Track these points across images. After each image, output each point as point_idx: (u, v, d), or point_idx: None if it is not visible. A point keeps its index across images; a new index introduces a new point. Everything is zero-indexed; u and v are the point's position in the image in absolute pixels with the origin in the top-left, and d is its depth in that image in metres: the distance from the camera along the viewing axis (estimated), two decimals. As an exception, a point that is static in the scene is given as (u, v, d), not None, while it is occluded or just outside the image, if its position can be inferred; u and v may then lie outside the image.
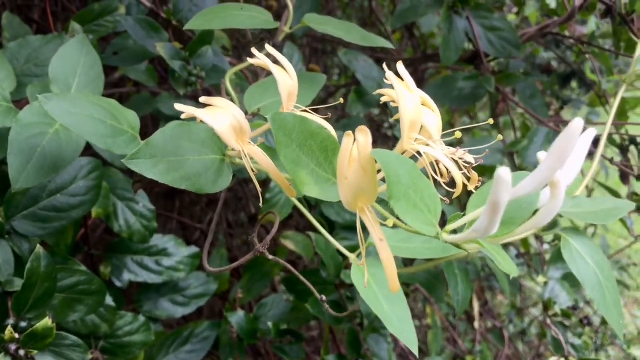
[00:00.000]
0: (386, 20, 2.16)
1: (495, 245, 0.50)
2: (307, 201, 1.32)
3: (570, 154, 0.39)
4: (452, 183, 0.58)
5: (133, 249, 1.21)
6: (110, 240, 1.26)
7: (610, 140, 1.70)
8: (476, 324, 2.09)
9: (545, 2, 1.80)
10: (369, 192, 0.50)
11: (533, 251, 2.25)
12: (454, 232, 0.52)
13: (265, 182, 1.35)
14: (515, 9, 2.20)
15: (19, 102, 0.96)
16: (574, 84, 2.10)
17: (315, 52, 2.47)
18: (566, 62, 1.98)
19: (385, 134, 2.24)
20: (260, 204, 0.60)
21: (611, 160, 1.31)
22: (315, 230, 1.26)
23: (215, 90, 1.32)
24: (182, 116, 0.61)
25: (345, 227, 1.32)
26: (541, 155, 0.42)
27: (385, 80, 0.57)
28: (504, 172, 0.37)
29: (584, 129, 0.42)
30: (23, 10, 1.42)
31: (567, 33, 1.79)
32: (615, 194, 1.60)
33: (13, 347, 0.78)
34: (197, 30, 1.17)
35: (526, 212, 0.49)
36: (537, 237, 1.65)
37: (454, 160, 0.56)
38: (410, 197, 0.47)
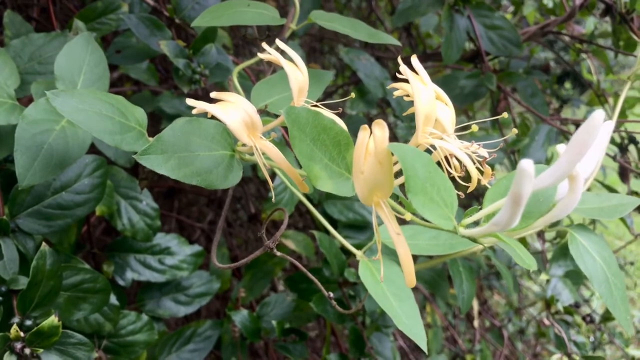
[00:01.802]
0: (384, 19, 2.16)
1: (513, 239, 0.50)
2: (309, 199, 1.32)
3: (591, 146, 0.39)
4: (464, 177, 0.58)
5: (136, 247, 1.21)
6: (108, 240, 1.26)
7: (610, 138, 1.70)
8: (475, 323, 2.10)
9: (543, 1, 1.81)
10: (385, 186, 0.50)
11: (532, 250, 2.26)
12: (469, 226, 0.52)
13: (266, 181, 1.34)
14: (511, 9, 2.21)
15: (22, 99, 0.96)
16: (567, 84, 2.12)
17: (313, 51, 2.47)
18: (563, 61, 1.99)
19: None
20: (273, 200, 0.60)
21: (614, 158, 1.31)
22: (318, 229, 1.27)
23: (218, 88, 1.32)
24: (194, 112, 0.61)
25: (348, 225, 1.32)
26: (560, 148, 0.42)
27: (398, 74, 0.57)
28: (526, 164, 0.37)
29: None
30: (23, 9, 1.41)
31: (565, 32, 1.79)
32: (614, 192, 1.61)
33: (18, 345, 0.77)
34: (199, 28, 1.17)
35: (544, 206, 0.49)
36: (539, 235, 1.66)
37: (467, 154, 0.56)
38: (427, 191, 0.47)
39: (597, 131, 0.38)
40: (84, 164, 0.96)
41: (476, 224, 0.53)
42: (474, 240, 0.50)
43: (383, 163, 0.47)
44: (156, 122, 1.59)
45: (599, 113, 0.38)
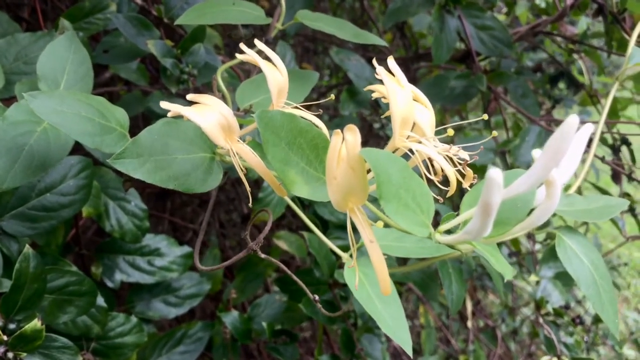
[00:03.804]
0: (377, 19, 2.16)
1: (489, 246, 0.49)
2: (300, 201, 1.32)
3: (566, 152, 0.38)
4: (446, 181, 0.57)
5: (125, 248, 1.20)
6: (100, 241, 1.25)
7: (602, 139, 1.70)
8: (469, 324, 2.10)
9: (535, 1, 1.80)
10: (358, 192, 0.49)
11: (524, 250, 2.26)
12: (448, 232, 0.51)
13: (258, 181, 1.34)
14: (504, 10, 2.21)
15: (8, 100, 0.95)
16: (561, 84, 2.11)
17: (306, 51, 2.46)
18: (557, 61, 1.98)
19: (377, 134, 2.24)
20: (250, 204, 0.59)
21: (602, 159, 1.31)
22: (309, 230, 1.26)
23: (207, 88, 1.31)
24: (169, 114, 0.60)
25: (339, 226, 1.31)
26: (536, 153, 0.41)
27: (376, 75, 0.56)
28: (494, 173, 0.36)
29: (580, 125, 0.41)
30: (12, 9, 1.40)
31: (557, 32, 1.79)
32: (606, 194, 1.60)
33: (1, 349, 0.76)
34: (188, 27, 1.16)
35: (521, 212, 0.48)
36: (529, 236, 1.65)
37: (448, 157, 0.55)
38: (402, 197, 0.46)
39: (571, 137, 0.37)
40: (69, 165, 0.95)
41: (457, 228, 0.52)
42: (451, 246, 0.50)
43: (356, 169, 0.46)
44: (148, 123, 1.58)
45: (572, 118, 0.37)
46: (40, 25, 1.21)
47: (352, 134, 0.46)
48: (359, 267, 0.72)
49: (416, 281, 1.23)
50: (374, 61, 0.57)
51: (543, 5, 1.73)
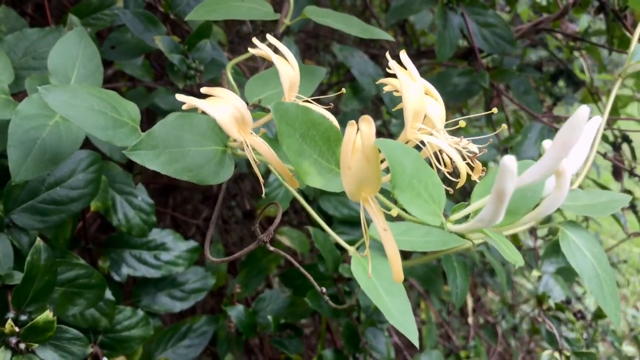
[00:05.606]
0: (379, 17, 2.16)
1: (500, 235, 0.50)
2: (305, 196, 1.33)
3: (576, 142, 0.39)
4: (455, 173, 0.58)
5: (131, 243, 1.21)
6: (103, 237, 1.26)
7: (603, 136, 1.71)
8: (469, 320, 2.11)
9: (536, -1, 1.81)
10: (372, 182, 0.50)
11: (525, 247, 2.27)
12: (457, 222, 0.53)
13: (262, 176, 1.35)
14: (507, 8, 2.22)
15: (17, 95, 0.96)
16: (561, 82, 2.12)
17: (308, 48, 2.47)
18: (558, 59, 1.99)
19: (379, 131, 2.25)
20: (263, 195, 0.60)
21: (604, 155, 1.32)
22: (313, 225, 1.27)
23: (213, 84, 1.32)
24: (183, 107, 0.61)
25: (343, 221, 1.32)
26: (546, 143, 0.43)
27: (388, 70, 0.57)
28: (509, 160, 0.38)
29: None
30: (17, 4, 1.41)
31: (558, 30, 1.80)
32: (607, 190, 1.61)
33: (13, 340, 0.77)
34: (194, 24, 1.17)
35: (531, 202, 0.49)
36: (531, 232, 1.66)
37: (457, 150, 0.56)
38: (415, 187, 0.47)
39: (581, 127, 0.38)
40: (79, 159, 0.96)
41: (466, 219, 0.53)
42: (462, 236, 0.51)
43: (370, 159, 0.48)
44: (152, 119, 1.59)
45: (583, 109, 0.38)
46: (46, 20, 1.22)
47: (368, 125, 0.47)
48: (365, 260, 0.73)
49: (420, 276, 1.24)
50: (387, 54, 0.59)
51: (544, 2, 1.74)
